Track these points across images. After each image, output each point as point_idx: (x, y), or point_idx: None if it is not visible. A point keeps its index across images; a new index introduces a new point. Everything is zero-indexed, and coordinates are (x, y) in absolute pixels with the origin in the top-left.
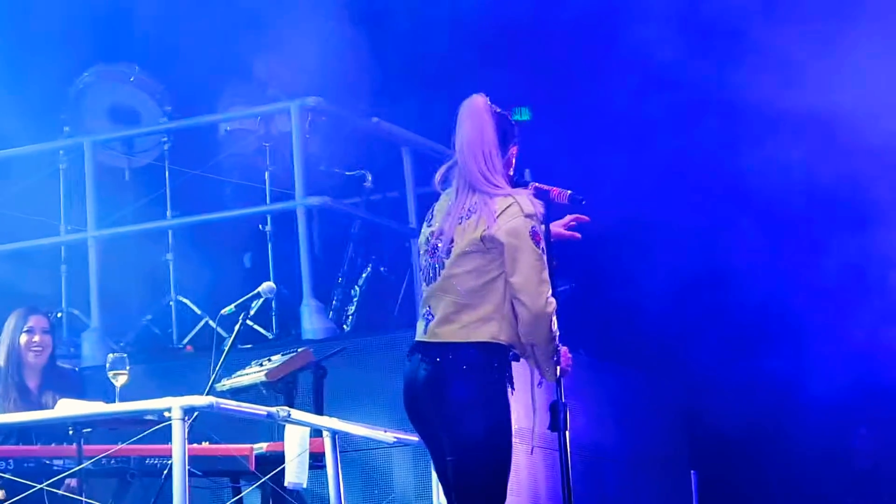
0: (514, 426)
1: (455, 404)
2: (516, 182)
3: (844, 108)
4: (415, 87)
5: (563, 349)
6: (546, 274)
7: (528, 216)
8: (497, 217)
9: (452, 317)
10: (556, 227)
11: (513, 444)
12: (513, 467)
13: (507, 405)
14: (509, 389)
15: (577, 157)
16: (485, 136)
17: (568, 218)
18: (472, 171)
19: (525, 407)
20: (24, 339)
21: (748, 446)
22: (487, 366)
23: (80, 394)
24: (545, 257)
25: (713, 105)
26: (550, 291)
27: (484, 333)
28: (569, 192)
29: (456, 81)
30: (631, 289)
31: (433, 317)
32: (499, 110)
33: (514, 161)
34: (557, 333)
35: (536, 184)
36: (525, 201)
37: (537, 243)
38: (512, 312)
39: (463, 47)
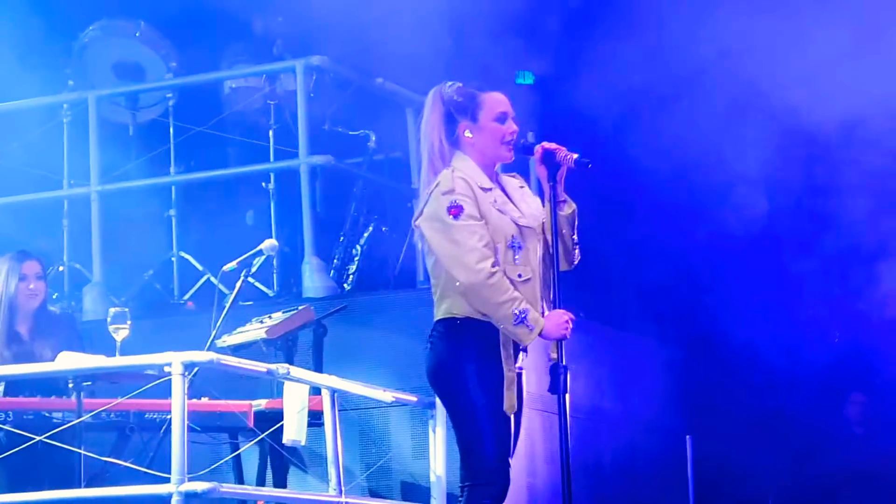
0: (527, 391)
1: (428, 377)
2: (522, 145)
3: None
4: (421, 47)
5: (561, 312)
6: (475, 242)
7: (444, 193)
8: (426, 201)
9: (433, 294)
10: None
11: (494, 410)
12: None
13: (469, 374)
14: (504, 356)
15: (589, 121)
16: (428, 125)
17: (539, 150)
18: (423, 160)
19: (536, 372)
20: (17, 285)
21: (743, 413)
22: (446, 340)
23: (73, 336)
24: (470, 224)
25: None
26: (482, 260)
27: (442, 311)
28: (576, 155)
29: (463, 43)
30: (633, 254)
31: None
32: (455, 89)
33: (478, 129)
34: (509, 297)
35: (545, 143)
36: (445, 178)
37: (456, 216)
38: None
39: (470, 8)
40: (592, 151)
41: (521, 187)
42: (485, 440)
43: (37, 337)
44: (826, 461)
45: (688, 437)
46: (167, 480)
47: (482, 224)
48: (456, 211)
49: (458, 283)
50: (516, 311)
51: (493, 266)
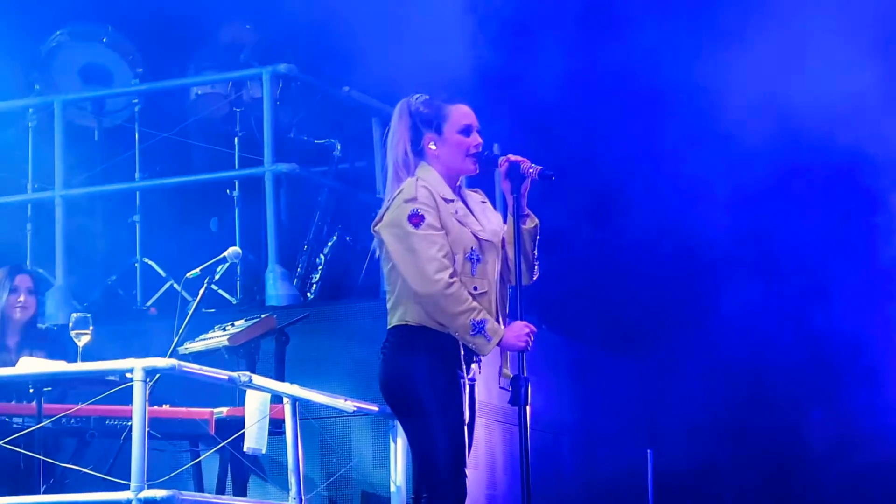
0: (485, 402)
1: (380, 387)
2: (486, 157)
3: None
4: (388, 57)
5: (522, 324)
6: (434, 251)
7: (407, 201)
8: (387, 208)
9: (387, 303)
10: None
11: (448, 420)
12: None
13: (421, 383)
14: (457, 366)
15: (550, 134)
16: (395, 136)
17: (503, 161)
18: (388, 170)
19: (495, 383)
20: (7, 297)
21: (704, 427)
22: (399, 348)
23: (58, 352)
24: (431, 234)
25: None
26: (441, 270)
27: (396, 318)
28: (539, 167)
29: (429, 52)
30: (596, 266)
31: None
32: (421, 101)
33: (442, 141)
34: (467, 308)
35: (511, 156)
36: (409, 186)
37: (416, 225)
38: None
39: (435, 17)
40: (557, 164)
41: (483, 202)
42: (439, 451)
43: (23, 350)
44: (787, 477)
45: (648, 450)
46: (127, 487)
47: (442, 234)
48: (417, 220)
49: (415, 293)
50: (474, 321)
51: (451, 276)
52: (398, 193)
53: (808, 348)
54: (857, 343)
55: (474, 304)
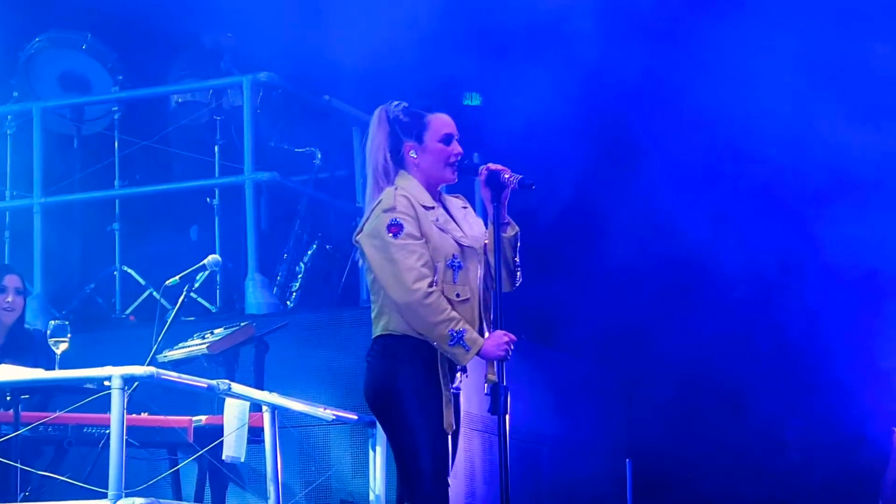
0: (467, 411)
1: (365, 396)
2: (466, 165)
3: None
4: (369, 66)
5: (501, 333)
6: (413, 261)
7: (386, 210)
8: (367, 218)
9: (372, 312)
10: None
11: (431, 429)
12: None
13: (406, 392)
14: (441, 375)
15: (528, 145)
16: (374, 144)
17: (483, 170)
18: (368, 179)
19: (476, 392)
20: None
21: (683, 437)
22: (383, 357)
23: (42, 355)
24: (410, 243)
25: (656, 91)
26: (419, 279)
27: (379, 328)
28: (519, 176)
29: (409, 62)
30: (575, 277)
31: None
32: (401, 109)
33: (422, 150)
34: (445, 318)
35: (490, 164)
36: (388, 195)
37: (395, 235)
38: None
39: (416, 27)
40: (536, 174)
41: (465, 208)
42: (422, 459)
43: (9, 352)
44: (766, 488)
45: (627, 460)
46: (104, 496)
47: (422, 243)
48: (396, 229)
49: (395, 302)
50: (453, 331)
51: (430, 286)
52: (377, 203)
53: (785, 357)
54: (831, 351)
55: (453, 313)
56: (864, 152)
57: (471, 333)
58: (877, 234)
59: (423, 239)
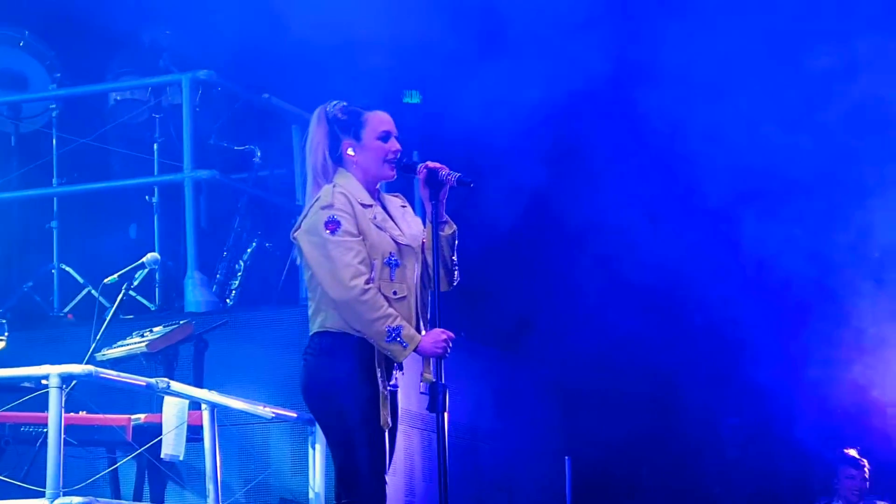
0: (405, 408)
1: (302, 393)
2: (405, 164)
3: None
4: (308, 64)
5: (439, 331)
6: (350, 258)
7: (323, 207)
8: (305, 215)
9: (308, 310)
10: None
11: (368, 426)
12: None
13: (343, 389)
14: (378, 373)
15: (473, 146)
16: (313, 142)
17: (422, 168)
18: (307, 176)
19: (414, 390)
20: None
21: (622, 435)
22: (320, 355)
23: None
24: (347, 241)
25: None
26: (356, 276)
27: (317, 325)
28: (458, 174)
29: (349, 60)
30: (514, 275)
31: None
32: (339, 107)
33: (361, 147)
34: (382, 314)
35: (429, 162)
36: (325, 193)
37: (333, 232)
38: None
39: (356, 26)
40: (477, 172)
41: (403, 206)
42: (359, 457)
43: None
44: (702, 485)
45: (566, 457)
46: (42, 494)
47: (359, 240)
48: (333, 226)
49: (332, 299)
50: (390, 328)
51: (366, 283)
52: (315, 200)
53: (719, 357)
54: (760, 356)
55: (390, 310)
56: (795, 157)
57: (408, 330)
58: (803, 238)
59: (360, 236)
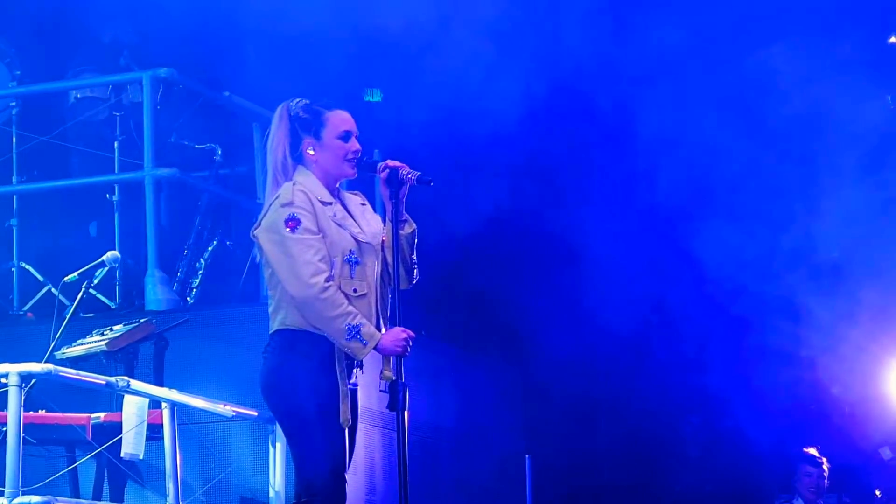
0: (365, 407)
1: (261, 390)
2: (365, 162)
3: None
4: (268, 62)
5: (399, 329)
6: (310, 256)
7: (284, 205)
8: (265, 212)
9: (269, 308)
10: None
11: (328, 424)
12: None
13: (302, 387)
14: (338, 370)
15: (428, 141)
16: (274, 140)
17: (382, 167)
18: (268, 174)
19: (374, 389)
20: None
21: (583, 434)
22: (280, 353)
23: None
24: (307, 238)
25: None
26: (316, 274)
27: (277, 322)
28: (418, 172)
29: (312, 58)
30: (476, 274)
31: None
32: (301, 106)
33: (321, 146)
34: (342, 312)
35: (390, 161)
36: (285, 190)
37: (293, 229)
38: None
39: (318, 23)
40: (436, 170)
41: (363, 205)
42: (319, 455)
43: None
44: (663, 482)
45: (527, 456)
46: (1, 493)
47: (319, 238)
48: (293, 224)
49: (291, 296)
50: (350, 326)
51: (326, 280)
52: (275, 198)
53: (678, 357)
54: (730, 350)
55: (350, 308)
56: (744, 168)
57: (368, 328)
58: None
59: (320, 234)
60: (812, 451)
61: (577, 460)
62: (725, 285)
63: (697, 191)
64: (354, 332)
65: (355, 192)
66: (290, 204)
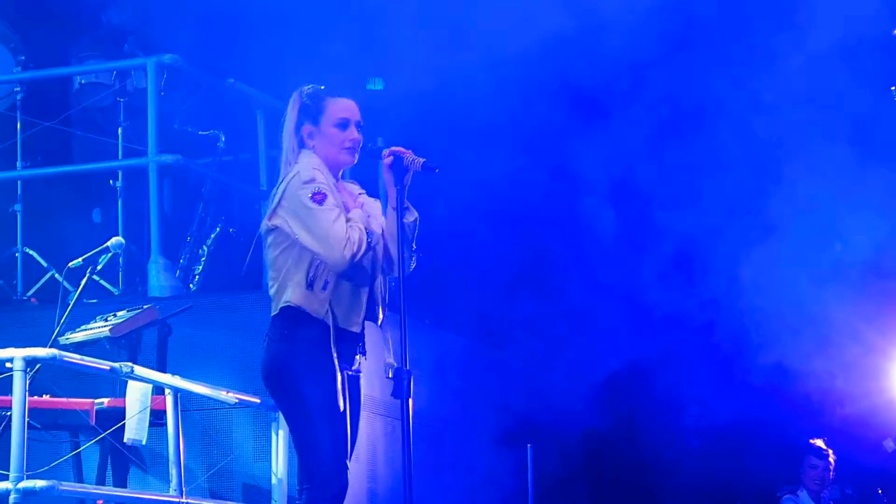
0: (369, 395)
1: (262, 376)
2: (369, 149)
3: None
4: (273, 49)
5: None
6: (339, 226)
7: (306, 182)
8: (281, 192)
9: (270, 291)
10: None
11: (328, 410)
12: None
13: (303, 374)
14: (337, 355)
15: (432, 128)
16: (287, 124)
17: (387, 154)
18: (282, 157)
19: (378, 376)
20: None
21: (584, 423)
22: (281, 339)
23: None
24: (337, 210)
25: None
26: (349, 245)
27: (280, 302)
28: (423, 159)
29: (315, 47)
30: (478, 263)
31: None
32: (308, 92)
33: (318, 133)
34: (369, 241)
35: (394, 147)
36: (304, 168)
37: (320, 202)
38: (305, 278)
39: (323, 11)
40: (440, 158)
41: (360, 194)
42: (320, 441)
43: None
44: (664, 472)
45: (528, 445)
46: (5, 478)
47: (342, 211)
48: (320, 197)
49: (329, 264)
50: (368, 243)
51: (358, 248)
52: (293, 176)
53: (689, 344)
54: (731, 342)
55: (361, 236)
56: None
57: (363, 230)
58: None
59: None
60: (818, 442)
61: (578, 451)
62: (728, 277)
63: (695, 188)
64: (371, 238)
65: (352, 181)
66: (312, 181)
